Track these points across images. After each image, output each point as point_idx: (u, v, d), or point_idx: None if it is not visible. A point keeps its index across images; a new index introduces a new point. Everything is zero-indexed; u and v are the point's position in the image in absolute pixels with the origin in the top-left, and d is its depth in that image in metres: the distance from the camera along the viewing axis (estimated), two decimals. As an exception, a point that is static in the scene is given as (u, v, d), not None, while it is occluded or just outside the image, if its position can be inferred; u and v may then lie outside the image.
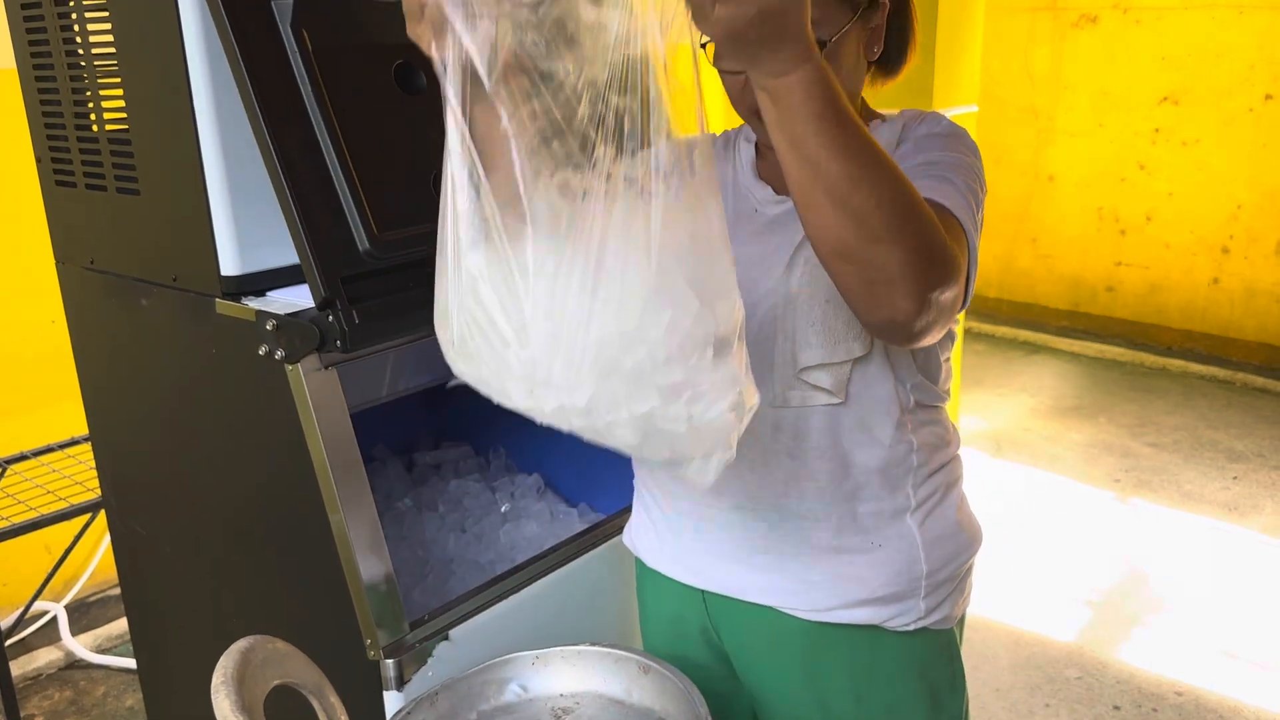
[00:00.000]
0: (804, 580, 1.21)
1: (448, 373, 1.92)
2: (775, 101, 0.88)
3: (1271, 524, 3.52)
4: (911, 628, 1.22)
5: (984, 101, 5.50)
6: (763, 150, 1.29)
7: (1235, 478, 3.85)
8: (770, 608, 1.23)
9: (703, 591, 1.30)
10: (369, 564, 1.34)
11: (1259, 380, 4.68)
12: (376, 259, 1.31)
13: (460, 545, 1.73)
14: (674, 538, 1.31)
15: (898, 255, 0.92)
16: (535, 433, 1.94)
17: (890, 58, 1.22)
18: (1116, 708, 2.64)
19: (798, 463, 1.19)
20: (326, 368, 1.32)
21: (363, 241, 1.30)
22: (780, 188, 1.24)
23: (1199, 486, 3.79)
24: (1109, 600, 3.11)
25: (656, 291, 0.86)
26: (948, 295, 0.96)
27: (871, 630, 1.21)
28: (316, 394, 1.31)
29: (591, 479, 1.89)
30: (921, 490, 1.21)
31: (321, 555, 1.35)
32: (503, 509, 1.82)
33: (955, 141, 1.16)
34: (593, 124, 0.88)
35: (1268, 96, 4.65)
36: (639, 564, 1.40)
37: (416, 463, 1.98)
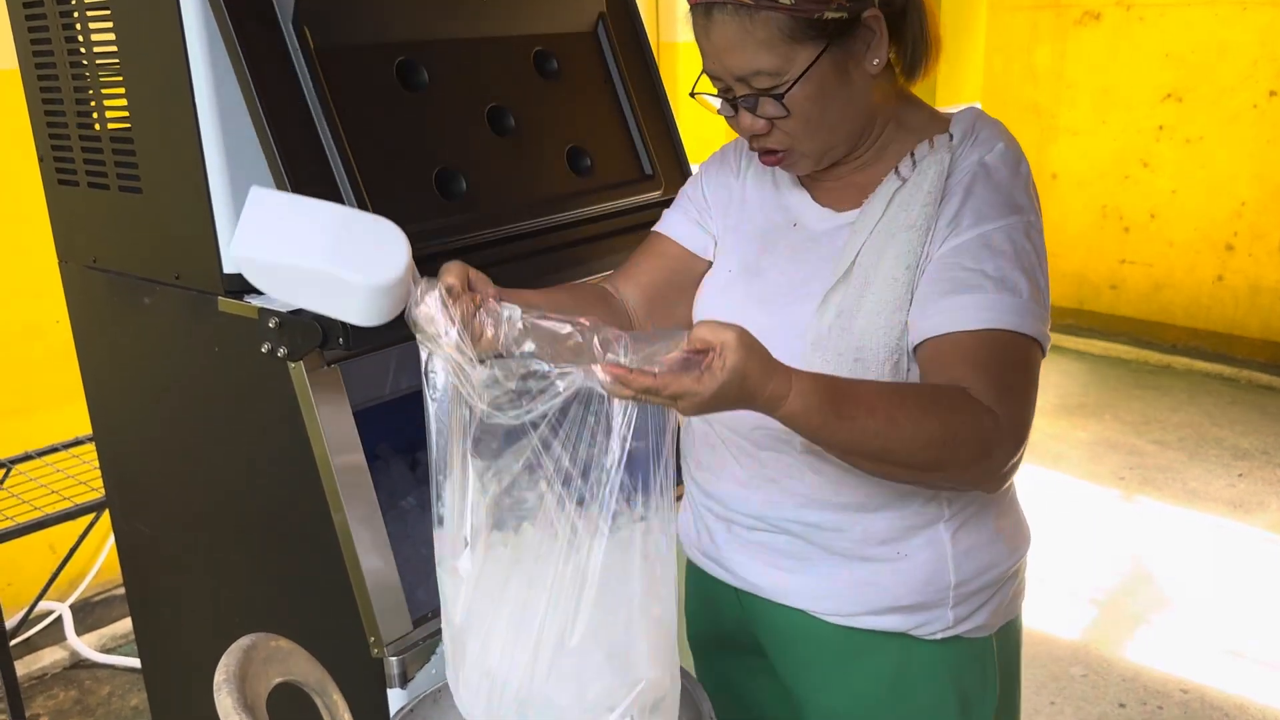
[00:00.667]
0: (829, 585, 1.20)
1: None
2: (781, 421, 0.96)
3: (1277, 521, 3.51)
4: (940, 636, 1.19)
5: (986, 99, 5.50)
6: None
7: (1240, 475, 3.84)
8: (801, 610, 1.23)
9: (736, 589, 1.30)
10: (372, 562, 1.33)
11: (1264, 378, 4.67)
12: (379, 256, 1.30)
13: (464, 543, 1.72)
14: (709, 533, 1.31)
15: (948, 477, 1.05)
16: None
17: (909, 61, 1.17)
18: (1122, 705, 2.63)
19: (821, 477, 1.17)
20: (329, 365, 1.32)
21: (365, 239, 1.29)
22: (824, 199, 1.21)
23: (1204, 484, 3.78)
24: (1114, 598, 3.11)
25: (573, 656, 0.94)
26: (1012, 459, 1.04)
27: (901, 637, 1.20)
28: (319, 392, 1.31)
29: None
30: (959, 502, 1.18)
31: (325, 553, 1.35)
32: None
33: (1013, 194, 1.10)
34: (545, 480, 0.97)
35: (1271, 93, 4.64)
36: (680, 547, 1.39)
37: (419, 462, 1.98)
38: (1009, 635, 1.28)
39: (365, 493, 1.34)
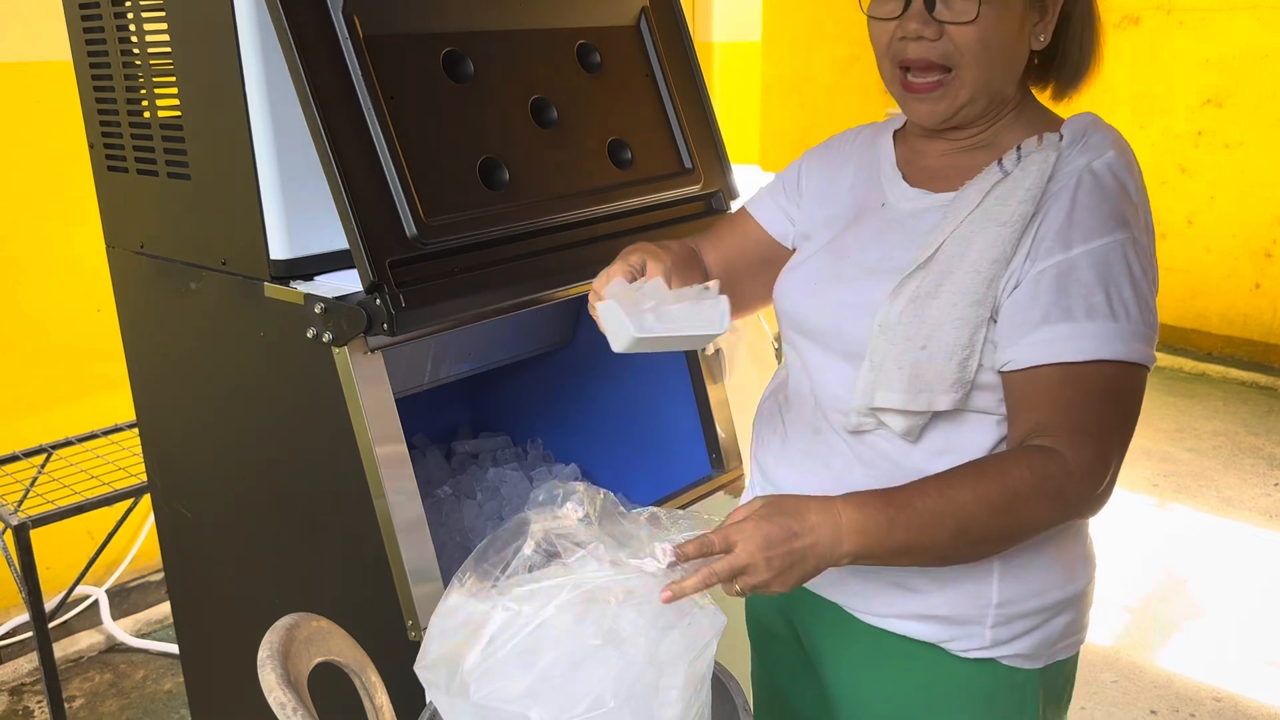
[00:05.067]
0: (863, 584, 1.18)
1: (487, 361, 1.94)
2: (857, 561, 1.02)
3: (1313, 532, 3.46)
4: (974, 656, 1.14)
5: (1023, 103, 5.47)
6: (901, 137, 1.25)
7: (1276, 484, 3.79)
8: (837, 605, 1.22)
9: None
10: (410, 546, 1.35)
11: (1301, 387, 4.61)
12: (424, 244, 1.32)
13: (499, 532, 1.73)
14: None
15: (1035, 530, 1.06)
16: (572, 424, 1.97)
17: (1063, 65, 1.15)
18: (1153, 712, 2.61)
19: (870, 478, 1.14)
20: (373, 351, 1.33)
21: (410, 226, 1.31)
22: (916, 179, 1.19)
23: (1239, 493, 3.74)
24: (1146, 605, 3.08)
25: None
26: (1092, 495, 1.03)
27: (933, 649, 1.16)
28: (362, 377, 1.32)
29: (627, 469, 1.89)
30: None
31: (364, 537, 1.37)
32: (549, 480, 1.82)
33: (1120, 206, 1.06)
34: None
35: (1314, 99, 4.59)
36: None
37: (455, 451, 2.00)
38: (1057, 677, 1.20)
39: (405, 478, 1.35)
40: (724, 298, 1.06)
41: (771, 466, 1.27)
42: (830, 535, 0.98)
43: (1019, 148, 1.10)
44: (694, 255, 1.33)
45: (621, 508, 1.08)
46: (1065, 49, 1.14)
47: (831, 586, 1.22)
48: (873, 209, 1.20)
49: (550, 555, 1.04)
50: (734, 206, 1.66)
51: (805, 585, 1.19)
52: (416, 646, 1.33)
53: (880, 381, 1.08)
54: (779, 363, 1.50)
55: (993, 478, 1.00)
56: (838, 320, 0.99)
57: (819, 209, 1.28)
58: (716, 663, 1.17)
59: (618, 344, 1.06)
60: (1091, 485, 1.01)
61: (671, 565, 0.99)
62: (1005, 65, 1.10)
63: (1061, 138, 1.10)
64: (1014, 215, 1.05)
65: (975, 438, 1.10)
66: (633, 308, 1.05)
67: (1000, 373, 1.07)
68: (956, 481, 1.01)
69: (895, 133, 1.26)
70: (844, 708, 1.26)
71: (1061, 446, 1.00)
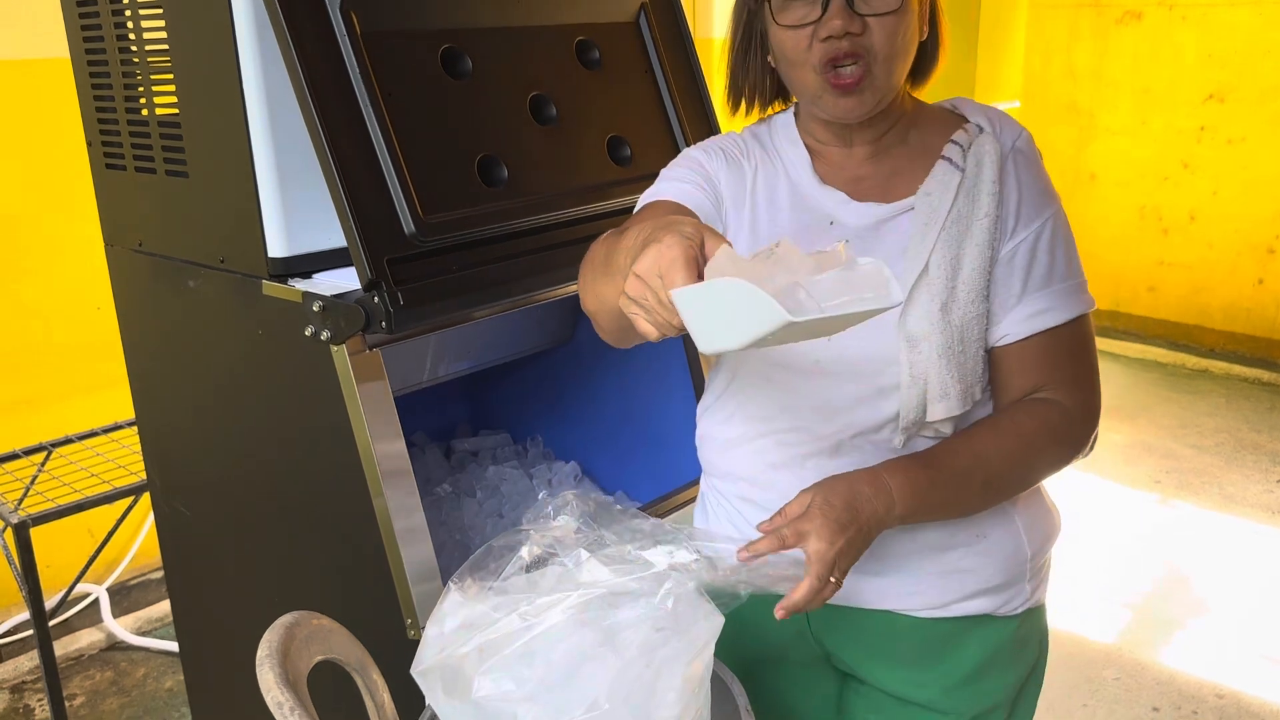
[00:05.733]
0: (917, 581, 1.19)
1: (486, 359, 1.94)
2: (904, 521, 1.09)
3: (1316, 528, 3.46)
4: (1019, 611, 1.22)
5: (1025, 98, 5.45)
6: (818, 149, 1.20)
7: (1278, 481, 3.78)
8: (883, 611, 1.21)
9: None
10: (410, 544, 1.34)
11: (1304, 383, 4.60)
12: (422, 241, 1.31)
13: (498, 530, 1.73)
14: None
15: (1044, 475, 1.18)
16: (572, 421, 1.96)
17: (933, 56, 1.19)
18: (1155, 709, 2.60)
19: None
20: (371, 349, 1.33)
21: (408, 224, 1.30)
22: (856, 191, 1.16)
23: (1241, 489, 3.73)
24: (1148, 602, 3.07)
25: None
26: (1091, 435, 1.16)
27: (985, 618, 1.21)
28: (361, 375, 1.32)
29: (628, 467, 1.89)
30: None
31: (364, 535, 1.36)
32: (540, 496, 1.82)
33: (1046, 179, 1.16)
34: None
35: (1316, 95, 4.57)
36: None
37: (455, 449, 1.99)
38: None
39: (405, 476, 1.35)
40: (882, 262, 0.86)
41: (777, 502, 1.16)
42: (885, 503, 1.06)
43: (955, 142, 1.14)
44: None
45: (618, 506, 1.08)
46: (938, 39, 1.18)
47: (879, 596, 1.20)
48: (818, 229, 1.16)
49: (547, 559, 1.03)
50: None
51: (847, 603, 1.21)
52: (415, 645, 1.33)
53: (932, 394, 1.10)
54: None
55: (1008, 432, 1.12)
56: (840, 348, 1.00)
57: (738, 214, 1.19)
58: (719, 662, 1.16)
59: (745, 335, 0.79)
60: (1089, 424, 1.16)
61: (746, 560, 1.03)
62: (909, 56, 1.13)
63: (980, 128, 1.16)
64: (988, 208, 1.12)
65: (981, 408, 1.18)
66: (769, 284, 0.78)
67: (992, 346, 1.15)
68: (979, 439, 1.12)
69: (807, 142, 1.21)
70: (898, 691, 1.25)
71: (1060, 398, 1.14)
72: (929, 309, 1.09)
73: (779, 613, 1.02)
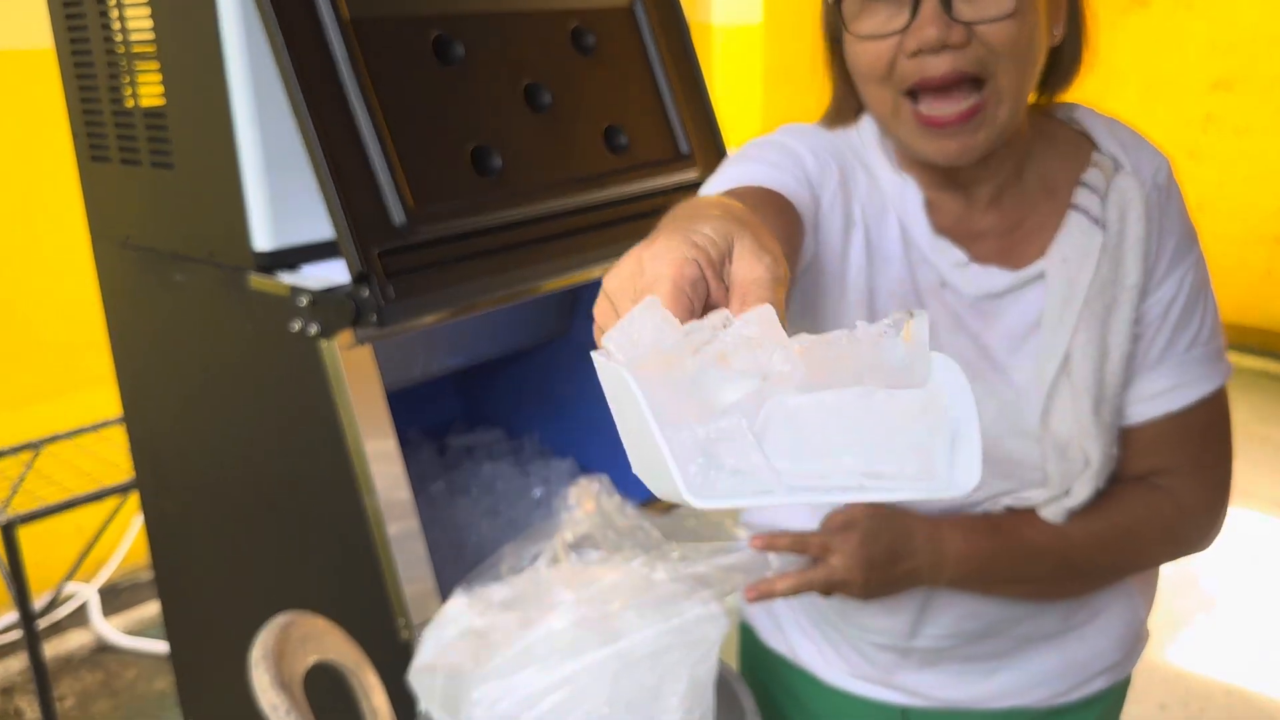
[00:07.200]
0: (1038, 674, 1.08)
1: (480, 354, 1.90)
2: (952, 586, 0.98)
3: (1325, 522, 3.42)
4: (1130, 674, 1.15)
5: (1029, 89, 5.41)
6: (934, 191, 0.95)
7: (1287, 474, 3.75)
8: (999, 711, 1.10)
9: (904, 707, 1.11)
10: (402, 543, 1.32)
11: (1312, 375, 4.56)
12: (413, 232, 1.28)
13: (493, 528, 1.70)
14: (868, 654, 1.11)
15: (1143, 567, 1.06)
16: (569, 417, 1.93)
17: (1071, 63, 0.97)
18: (1163, 706, 2.57)
19: None
20: (361, 343, 1.30)
21: (399, 215, 1.27)
22: (977, 250, 0.93)
23: (1250, 483, 3.69)
24: (1157, 598, 3.03)
25: None
26: (1211, 528, 1.02)
27: (1105, 691, 1.13)
28: (351, 370, 1.29)
29: (624, 463, 1.85)
30: None
31: (355, 534, 1.33)
32: (536, 493, 1.79)
33: (1188, 219, 0.99)
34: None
35: (1324, 83, 4.53)
36: (796, 672, 1.18)
37: (449, 446, 1.96)
38: None
39: (396, 474, 1.32)
40: (964, 379, 0.53)
41: (871, 618, 1.10)
42: (933, 561, 0.96)
43: (1087, 185, 0.94)
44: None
45: (629, 507, 1.06)
46: (1079, 42, 0.97)
47: (1000, 695, 1.08)
48: (929, 290, 0.94)
49: (552, 562, 1.02)
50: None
51: (959, 705, 1.10)
52: (408, 646, 1.30)
53: (1074, 492, 0.97)
54: None
55: (1105, 515, 0.98)
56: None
57: (834, 288, 0.95)
58: (727, 666, 1.14)
59: (657, 486, 0.49)
60: (1212, 521, 1.02)
61: (758, 551, 0.98)
62: (1033, 73, 0.88)
63: (1117, 162, 0.95)
64: (1135, 276, 0.94)
65: None
66: (690, 434, 0.46)
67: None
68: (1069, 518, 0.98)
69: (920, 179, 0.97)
70: None
71: (1178, 486, 0.99)
72: (1077, 410, 0.93)
73: (749, 594, 0.95)
